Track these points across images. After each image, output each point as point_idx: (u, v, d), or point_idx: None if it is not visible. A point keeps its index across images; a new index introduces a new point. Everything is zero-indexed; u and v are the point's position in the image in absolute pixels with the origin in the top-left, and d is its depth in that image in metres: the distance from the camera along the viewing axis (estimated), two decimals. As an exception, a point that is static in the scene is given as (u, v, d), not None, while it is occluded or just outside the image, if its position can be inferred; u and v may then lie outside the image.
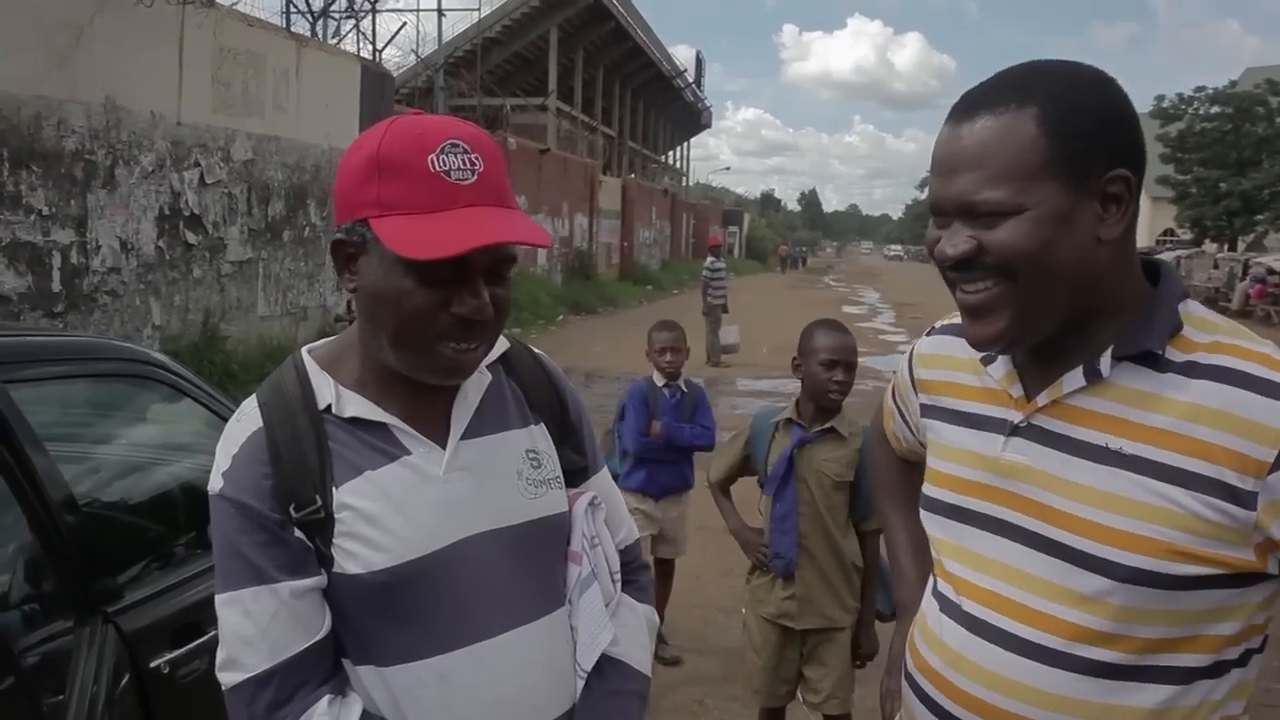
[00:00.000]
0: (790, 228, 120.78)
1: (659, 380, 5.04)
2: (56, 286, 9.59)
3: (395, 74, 20.79)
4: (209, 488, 1.42)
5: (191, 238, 11.44)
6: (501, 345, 1.60)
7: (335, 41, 19.60)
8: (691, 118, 60.72)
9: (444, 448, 1.46)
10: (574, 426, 1.66)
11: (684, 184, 62.27)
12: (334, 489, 1.39)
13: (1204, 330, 1.34)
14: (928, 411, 1.60)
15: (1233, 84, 46.06)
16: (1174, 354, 1.31)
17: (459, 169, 1.34)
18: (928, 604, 1.54)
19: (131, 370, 2.76)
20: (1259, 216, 42.33)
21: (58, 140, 9.52)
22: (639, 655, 1.62)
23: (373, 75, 15.93)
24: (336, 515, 1.39)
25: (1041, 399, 1.38)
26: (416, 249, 1.30)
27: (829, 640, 3.53)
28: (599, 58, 39.00)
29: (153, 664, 2.33)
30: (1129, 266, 1.36)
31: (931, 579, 1.56)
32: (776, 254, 69.42)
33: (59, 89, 9.49)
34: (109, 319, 10.24)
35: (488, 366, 1.55)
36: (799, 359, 3.54)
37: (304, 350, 1.52)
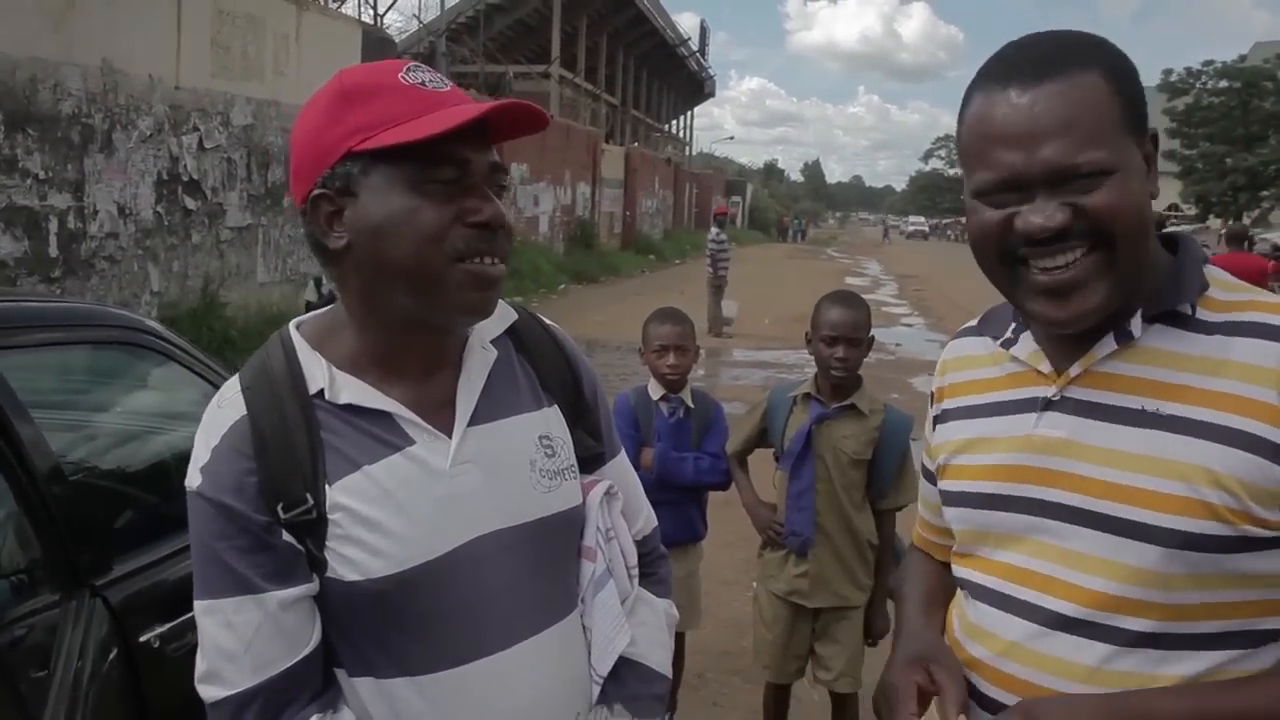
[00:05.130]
0: (793, 198, 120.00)
1: (654, 392, 3.66)
2: (54, 252, 9.48)
3: (397, 40, 20.59)
4: (186, 482, 1.28)
5: (190, 203, 11.31)
6: (509, 316, 1.48)
7: (336, 6, 19.41)
8: (695, 86, 60.32)
9: (450, 436, 1.32)
10: (589, 407, 1.52)
11: (687, 153, 61.97)
12: (327, 486, 1.25)
13: (1231, 291, 1.32)
14: (945, 416, 1.54)
15: (1242, 58, 45.73)
16: (1205, 314, 1.29)
17: (432, 81, 1.29)
18: (968, 604, 1.47)
19: (123, 338, 2.70)
20: (1265, 192, 42.16)
21: (54, 103, 9.37)
22: (658, 655, 1.51)
23: (374, 41, 15.74)
24: (330, 516, 1.25)
25: (1074, 370, 1.34)
26: (419, 130, 1.21)
27: (842, 618, 3.47)
28: (602, 25, 38.67)
29: (142, 638, 2.27)
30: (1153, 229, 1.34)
31: (963, 581, 1.50)
32: (779, 225, 69.73)
33: (55, 51, 9.33)
34: (107, 285, 10.15)
35: (494, 341, 1.43)
36: (810, 334, 3.45)
37: (291, 326, 1.38)
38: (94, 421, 2.96)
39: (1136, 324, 1.30)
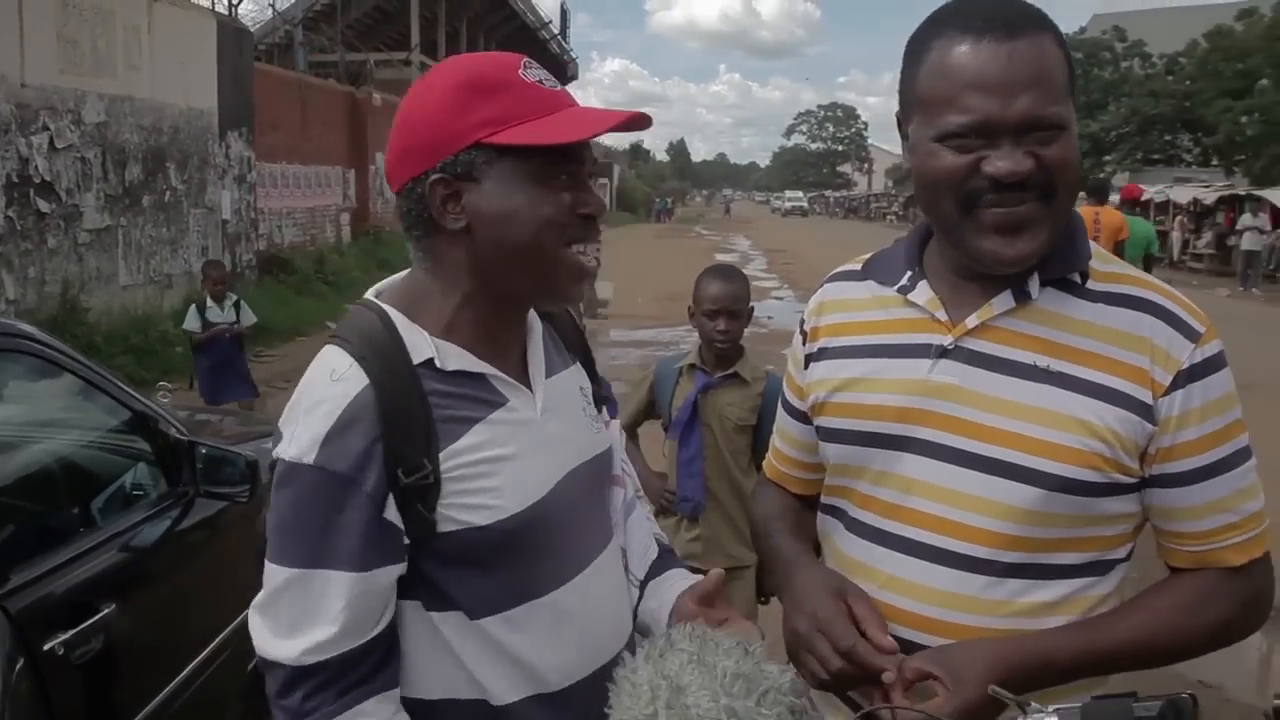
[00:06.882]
0: (660, 178, 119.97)
1: None
2: (-102, 261, 9.05)
3: (252, 29, 20.05)
4: (286, 454, 1.31)
5: (44, 206, 10.85)
6: None
7: (186, -4, 18.76)
8: (558, 70, 59.61)
9: (530, 390, 1.47)
10: (592, 361, 1.73)
11: (553, 137, 61.48)
12: (442, 448, 1.35)
13: (1105, 263, 1.48)
14: (822, 355, 1.62)
15: (1082, 30, 47.71)
16: (1090, 283, 1.44)
17: (547, 80, 1.41)
18: (840, 537, 1.59)
19: (1, 344, 2.64)
20: (1107, 158, 43.95)
21: (-110, 106, 8.93)
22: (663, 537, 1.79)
23: (229, 31, 15.34)
24: (450, 474, 1.35)
25: (971, 321, 1.45)
26: (556, 134, 1.33)
27: (735, 578, 3.57)
28: (462, 10, 38.21)
29: (46, 647, 2.26)
30: None
31: (835, 511, 1.62)
32: (648, 205, 70.30)
33: (-112, 50, 8.88)
34: (-42, 294, 9.72)
35: None
36: (693, 308, 3.56)
37: (373, 296, 1.46)
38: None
39: (1034, 285, 1.43)
